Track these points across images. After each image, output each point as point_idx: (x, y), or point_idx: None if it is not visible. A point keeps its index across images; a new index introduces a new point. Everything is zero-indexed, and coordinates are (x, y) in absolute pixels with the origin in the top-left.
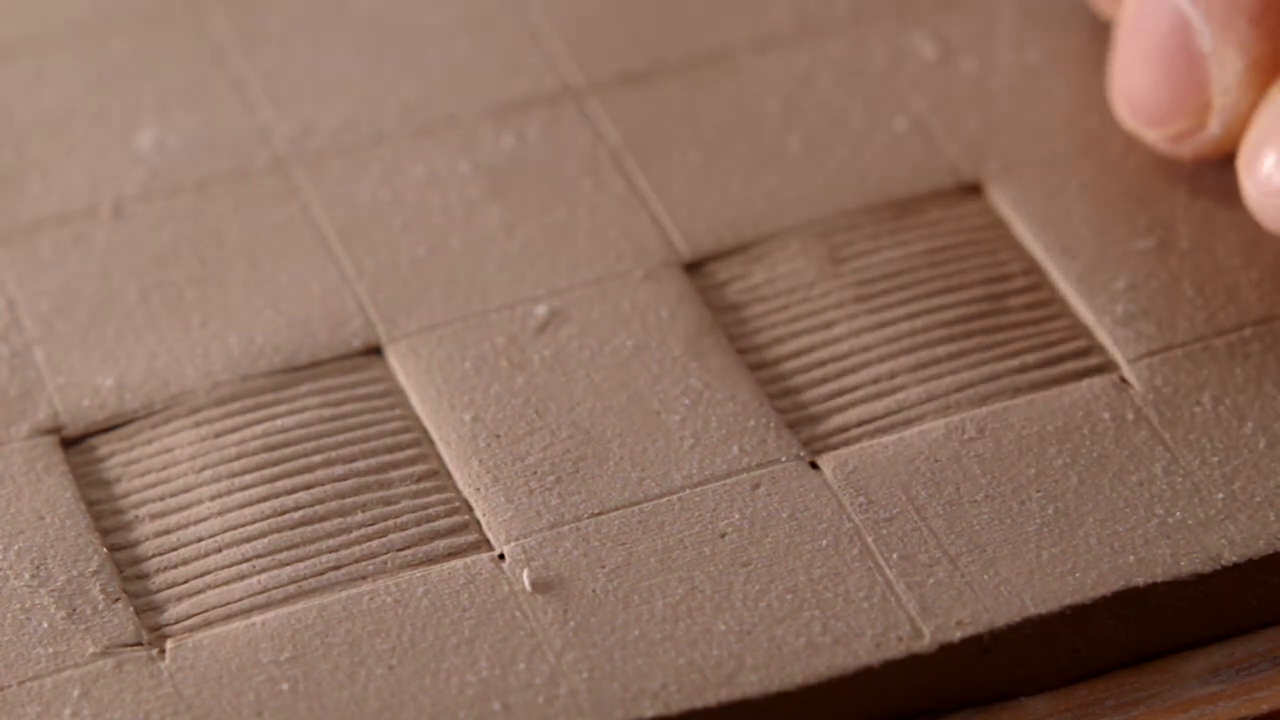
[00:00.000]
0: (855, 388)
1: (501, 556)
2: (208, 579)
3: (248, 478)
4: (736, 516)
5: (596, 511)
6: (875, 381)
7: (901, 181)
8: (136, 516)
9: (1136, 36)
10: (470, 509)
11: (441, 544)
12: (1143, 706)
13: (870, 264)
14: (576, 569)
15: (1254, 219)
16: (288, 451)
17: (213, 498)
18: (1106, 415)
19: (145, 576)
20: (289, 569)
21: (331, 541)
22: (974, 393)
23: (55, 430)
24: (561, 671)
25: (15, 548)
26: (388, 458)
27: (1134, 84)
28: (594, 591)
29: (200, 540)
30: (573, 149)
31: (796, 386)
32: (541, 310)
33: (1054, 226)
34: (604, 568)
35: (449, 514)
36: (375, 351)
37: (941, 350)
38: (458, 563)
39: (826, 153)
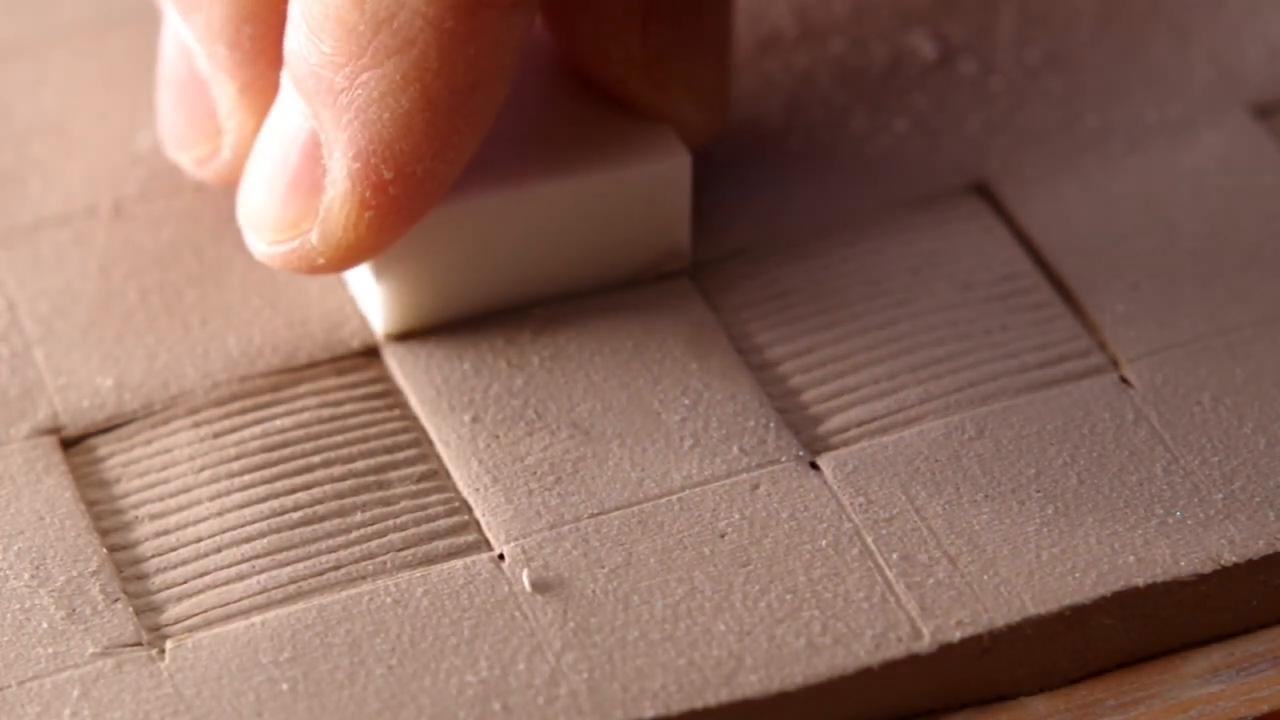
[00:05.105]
0: (855, 388)
1: (501, 557)
2: (207, 579)
3: (247, 478)
4: (736, 517)
5: (596, 512)
6: (875, 381)
7: (902, 181)
8: (136, 517)
9: (161, 63)
10: (470, 509)
11: (441, 544)
12: (1143, 706)
13: (870, 264)
14: (576, 569)
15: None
16: (287, 452)
17: (212, 498)
18: (1106, 415)
19: (144, 577)
20: (288, 569)
21: (331, 542)
22: (974, 393)
23: (55, 431)
24: (561, 672)
25: (15, 548)
26: (387, 458)
27: (161, 107)
28: (594, 592)
29: (199, 540)
30: None
31: (796, 386)
32: (540, 310)
33: (1054, 226)
34: (604, 568)
35: (448, 514)
36: (374, 352)
37: (941, 350)
38: (457, 563)
39: (827, 153)
